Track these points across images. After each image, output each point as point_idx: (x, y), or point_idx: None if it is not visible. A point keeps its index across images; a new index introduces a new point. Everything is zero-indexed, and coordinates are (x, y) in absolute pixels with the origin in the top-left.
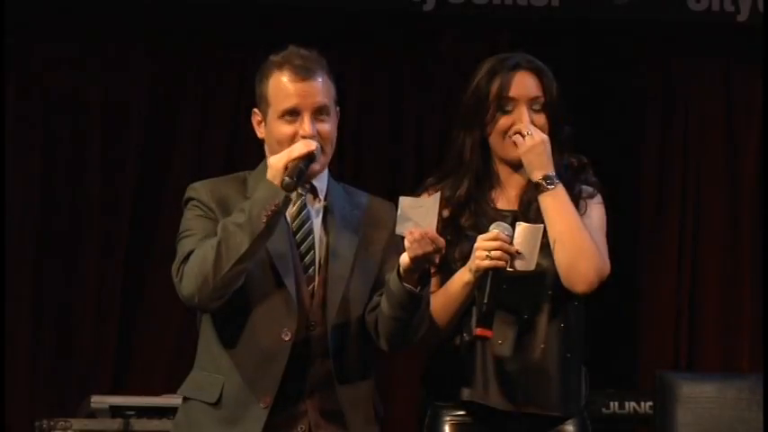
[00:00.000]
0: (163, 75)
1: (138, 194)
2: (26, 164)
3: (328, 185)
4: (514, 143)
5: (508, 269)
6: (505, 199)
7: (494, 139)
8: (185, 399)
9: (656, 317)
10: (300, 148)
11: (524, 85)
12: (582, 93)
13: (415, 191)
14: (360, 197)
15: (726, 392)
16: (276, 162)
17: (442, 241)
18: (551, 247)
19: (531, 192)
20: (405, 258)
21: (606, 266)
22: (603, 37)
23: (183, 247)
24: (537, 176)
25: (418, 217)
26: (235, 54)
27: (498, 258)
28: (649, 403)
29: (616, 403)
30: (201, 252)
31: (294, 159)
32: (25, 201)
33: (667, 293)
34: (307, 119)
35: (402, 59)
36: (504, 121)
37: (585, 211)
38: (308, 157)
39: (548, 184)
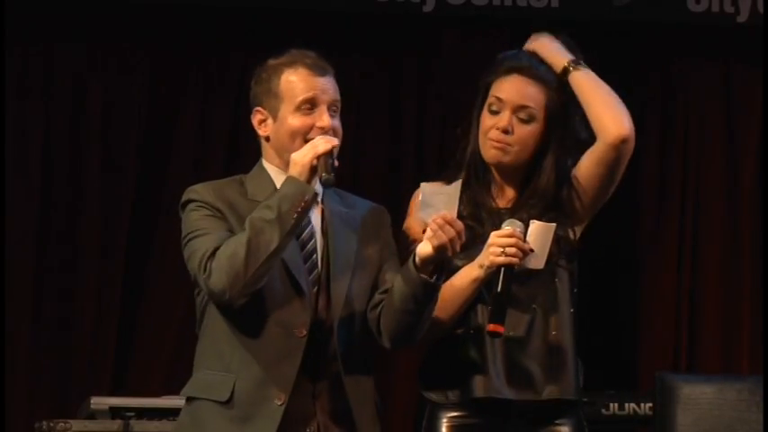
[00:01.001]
0: (163, 75)
1: (137, 194)
2: (26, 164)
3: (323, 189)
4: (493, 147)
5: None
6: (503, 197)
7: (480, 137)
8: (189, 399)
9: (655, 317)
10: (324, 144)
11: (516, 90)
12: None
13: (414, 191)
14: (351, 200)
15: (725, 393)
16: (301, 158)
17: (460, 224)
18: (588, 110)
19: (524, 209)
20: (425, 248)
21: None
22: (603, 38)
23: (201, 244)
24: (563, 62)
25: (440, 203)
26: (235, 54)
27: (513, 255)
28: (649, 404)
29: (616, 404)
30: (230, 249)
31: (321, 155)
32: (25, 201)
33: (667, 293)
34: (325, 111)
35: (402, 59)
36: (487, 122)
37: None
38: (332, 152)
39: (576, 64)
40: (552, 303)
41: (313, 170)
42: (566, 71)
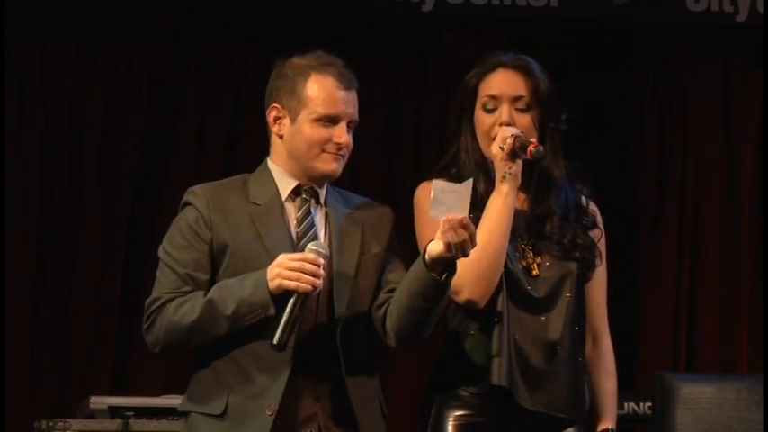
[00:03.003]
0: (162, 75)
1: (137, 195)
2: (26, 164)
3: (326, 190)
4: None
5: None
6: (516, 197)
7: (481, 140)
8: (186, 413)
9: (655, 317)
10: (305, 286)
11: (506, 83)
12: (581, 93)
13: (414, 189)
14: (355, 200)
15: (725, 393)
16: (283, 277)
17: (473, 228)
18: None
19: (544, 204)
20: (437, 246)
21: None
22: (602, 37)
23: (160, 282)
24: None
25: (452, 202)
26: (235, 54)
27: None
28: (648, 404)
29: None
30: (178, 316)
31: (297, 291)
32: (25, 201)
33: (667, 293)
34: (344, 128)
35: (402, 59)
36: (486, 121)
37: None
38: (312, 292)
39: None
40: (560, 317)
41: (284, 293)
42: None
